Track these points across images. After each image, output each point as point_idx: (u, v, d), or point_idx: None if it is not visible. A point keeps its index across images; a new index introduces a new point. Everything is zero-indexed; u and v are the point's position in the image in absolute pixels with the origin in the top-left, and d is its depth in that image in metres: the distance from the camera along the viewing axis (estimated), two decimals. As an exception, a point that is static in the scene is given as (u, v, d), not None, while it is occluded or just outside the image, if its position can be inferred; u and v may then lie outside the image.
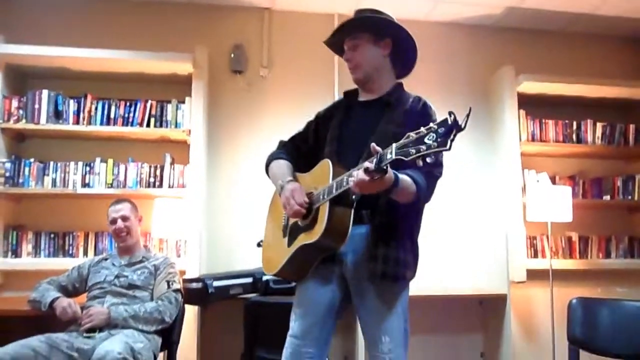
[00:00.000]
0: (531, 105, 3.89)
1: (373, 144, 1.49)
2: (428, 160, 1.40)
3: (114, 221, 2.83)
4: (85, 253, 3.45)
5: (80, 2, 3.78)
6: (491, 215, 3.95)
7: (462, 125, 1.35)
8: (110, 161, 3.48)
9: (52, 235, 3.46)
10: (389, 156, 1.45)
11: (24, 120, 3.39)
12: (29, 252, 3.43)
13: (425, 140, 1.38)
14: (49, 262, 3.38)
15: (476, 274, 3.88)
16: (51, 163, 3.44)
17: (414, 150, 1.39)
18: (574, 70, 4.15)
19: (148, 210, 3.30)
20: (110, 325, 2.54)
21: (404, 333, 1.81)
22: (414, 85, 4.06)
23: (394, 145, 1.44)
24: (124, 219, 2.83)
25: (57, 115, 3.45)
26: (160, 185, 3.49)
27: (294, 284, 2.65)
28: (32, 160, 3.42)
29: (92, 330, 2.50)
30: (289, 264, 1.82)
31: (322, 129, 2.01)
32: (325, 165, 1.78)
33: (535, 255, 3.84)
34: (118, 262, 2.83)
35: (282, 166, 2.00)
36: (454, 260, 3.90)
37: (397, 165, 1.51)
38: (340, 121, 1.96)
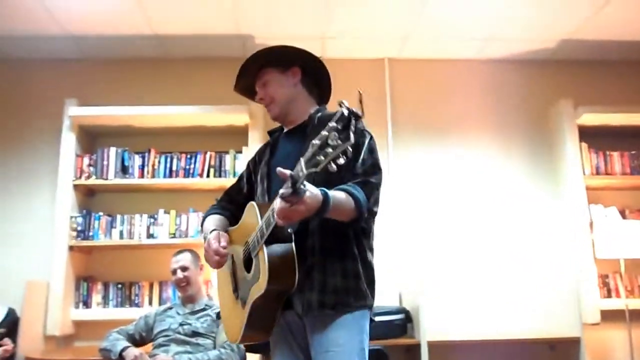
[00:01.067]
0: (593, 137, 3.77)
1: (278, 169, 1.35)
2: (340, 161, 1.26)
3: (174, 272, 2.92)
4: (150, 302, 3.55)
5: (140, 64, 4.01)
6: (558, 253, 3.79)
7: (358, 112, 1.31)
8: (173, 212, 3.60)
9: (119, 286, 3.58)
10: (300, 174, 1.31)
11: (94, 177, 3.60)
12: (98, 302, 3.56)
13: (329, 142, 1.27)
14: (117, 312, 3.49)
15: (545, 316, 3.68)
16: (118, 216, 3.60)
17: (322, 157, 1.27)
18: (635, 99, 4.01)
19: (209, 258, 3.37)
20: (175, 374, 2.58)
21: None
22: (469, 123, 4.05)
23: (301, 160, 1.31)
24: (183, 269, 2.91)
25: (124, 170, 3.63)
26: (221, 234, 3.57)
27: None
28: (101, 214, 3.60)
29: (158, 379, 2.55)
30: (248, 325, 1.63)
31: (255, 175, 1.91)
32: (251, 209, 1.66)
33: (609, 295, 3.62)
34: (182, 310, 2.89)
35: (209, 221, 1.87)
36: (520, 301, 3.73)
37: (326, 181, 1.46)
38: (267, 159, 1.85)
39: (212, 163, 3.66)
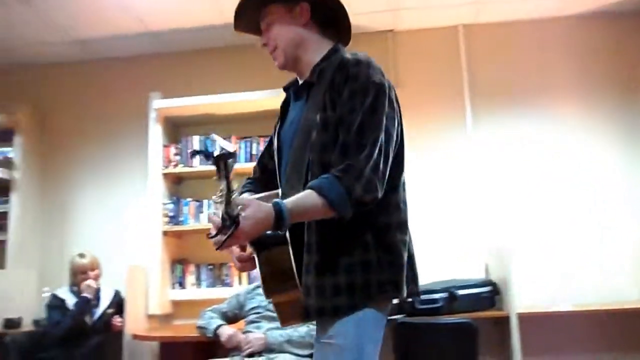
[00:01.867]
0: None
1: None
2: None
3: None
4: (240, 282, 3.70)
5: (216, 53, 4.14)
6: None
7: (228, 150, 1.20)
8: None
9: (210, 267, 3.77)
10: (223, 215, 1.18)
11: (180, 165, 3.78)
12: (192, 283, 3.77)
13: (221, 186, 1.18)
14: (210, 292, 3.68)
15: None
16: (205, 201, 3.76)
17: (219, 196, 1.19)
18: None
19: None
20: (267, 349, 2.69)
21: None
22: (553, 88, 3.84)
23: (213, 198, 1.20)
24: None
25: (207, 157, 3.77)
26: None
27: (440, 303, 2.51)
28: (189, 199, 3.78)
29: (251, 355, 2.67)
30: (282, 320, 1.48)
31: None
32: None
33: None
34: (269, 289, 2.99)
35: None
36: (615, 271, 3.53)
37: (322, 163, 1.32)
38: (277, 127, 1.62)
39: (290, 145, 3.72)
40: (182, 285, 3.77)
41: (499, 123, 3.82)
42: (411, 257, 1.46)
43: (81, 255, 3.37)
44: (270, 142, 1.69)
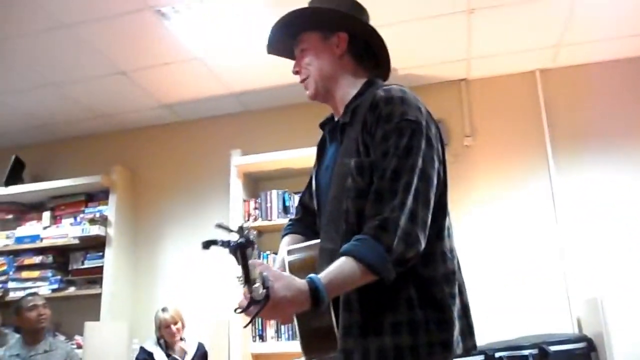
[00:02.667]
0: None
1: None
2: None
3: None
4: (320, 335, 3.67)
5: (293, 110, 4.27)
6: None
7: (248, 239, 1.14)
8: (333, 247, 3.73)
9: (290, 320, 3.78)
10: (257, 286, 1.08)
11: (260, 219, 3.89)
12: (272, 336, 3.79)
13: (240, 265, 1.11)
14: (290, 345, 3.67)
15: None
16: (284, 254, 3.82)
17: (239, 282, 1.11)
18: None
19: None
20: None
21: None
22: (632, 124, 3.64)
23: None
24: None
25: (285, 210, 3.88)
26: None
27: None
28: (268, 252, 3.86)
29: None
30: None
31: None
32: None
33: None
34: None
35: (282, 247, 1.55)
36: None
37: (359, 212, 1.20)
38: (315, 168, 1.52)
39: (366, 196, 3.74)
40: (262, 338, 3.80)
41: (582, 168, 3.65)
42: (465, 308, 1.31)
43: (164, 310, 3.50)
44: (310, 183, 1.61)
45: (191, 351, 3.46)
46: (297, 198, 3.86)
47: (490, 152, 3.82)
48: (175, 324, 3.45)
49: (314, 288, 1.11)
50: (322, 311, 1.16)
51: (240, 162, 3.96)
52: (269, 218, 3.87)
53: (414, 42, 3.51)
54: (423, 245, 1.20)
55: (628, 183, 3.54)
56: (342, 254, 1.17)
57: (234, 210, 3.91)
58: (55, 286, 4.17)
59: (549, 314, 3.37)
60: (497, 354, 2.94)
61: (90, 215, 4.21)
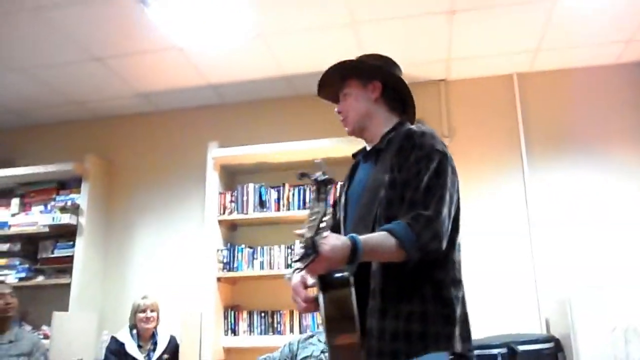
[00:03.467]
0: None
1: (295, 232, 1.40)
2: (322, 224, 1.29)
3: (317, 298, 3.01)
4: (292, 330, 3.68)
5: (272, 104, 4.28)
6: None
7: (328, 178, 1.36)
8: (309, 242, 3.73)
9: (262, 314, 3.77)
10: (307, 235, 1.32)
11: (235, 212, 3.87)
12: (244, 330, 3.78)
13: (313, 209, 1.34)
14: (262, 340, 3.67)
15: None
16: (259, 248, 3.81)
17: (312, 224, 1.31)
18: None
19: (346, 287, 3.45)
20: (319, 401, 2.64)
21: None
22: (613, 136, 3.73)
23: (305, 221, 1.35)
24: None
25: (262, 204, 3.86)
26: (355, 262, 3.62)
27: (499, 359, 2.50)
28: (243, 246, 3.84)
29: (304, 406, 2.63)
30: None
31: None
32: None
33: None
34: (323, 338, 2.96)
35: None
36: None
37: (388, 216, 1.46)
38: (345, 186, 1.80)
39: (343, 193, 3.75)
40: (234, 332, 3.79)
41: (555, 171, 3.73)
42: (466, 316, 1.55)
43: (144, 297, 3.47)
44: (336, 202, 1.87)
45: (163, 344, 3.43)
46: (273, 192, 3.85)
47: (467, 154, 3.86)
48: (152, 311, 3.42)
49: (354, 242, 1.36)
50: (347, 296, 1.34)
51: (217, 154, 3.92)
52: (245, 211, 3.85)
53: (396, 41, 3.53)
54: (444, 246, 1.46)
55: (599, 187, 3.63)
56: (381, 230, 1.43)
57: (210, 203, 3.88)
58: (23, 275, 4.08)
59: (519, 314, 3.44)
60: (520, 347, 2.97)
61: (62, 204, 4.13)
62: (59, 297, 3.91)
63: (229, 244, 3.90)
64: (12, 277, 4.05)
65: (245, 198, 3.88)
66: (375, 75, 1.74)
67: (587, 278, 3.47)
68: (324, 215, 1.31)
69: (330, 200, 1.33)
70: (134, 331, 3.41)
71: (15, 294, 3.38)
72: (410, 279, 1.47)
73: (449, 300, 1.49)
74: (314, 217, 1.32)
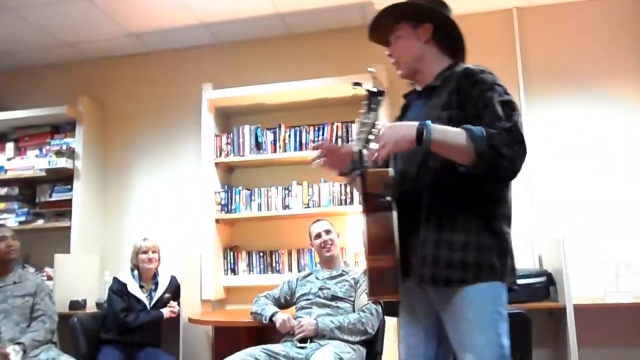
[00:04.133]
0: None
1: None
2: (371, 137, 1.40)
3: (318, 235, 3.06)
4: (290, 269, 3.76)
5: (266, 43, 4.19)
6: None
7: (379, 89, 1.40)
8: (305, 183, 3.76)
9: (261, 254, 3.85)
10: (354, 156, 1.48)
11: (232, 154, 3.86)
12: (244, 269, 3.86)
13: (362, 120, 1.45)
14: (261, 278, 3.76)
15: None
16: (256, 189, 3.83)
17: (362, 136, 1.44)
18: None
19: (342, 227, 3.50)
20: (318, 335, 2.73)
21: (498, 349, 1.50)
22: (611, 70, 3.68)
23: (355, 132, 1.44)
24: (328, 232, 3.05)
25: (258, 146, 3.85)
26: (352, 203, 3.65)
27: None
28: (240, 188, 3.86)
29: (303, 340, 2.72)
30: (371, 286, 1.53)
31: None
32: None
33: None
34: (321, 275, 3.04)
35: None
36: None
37: None
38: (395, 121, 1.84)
39: (340, 133, 3.74)
40: (234, 271, 3.87)
41: (553, 106, 3.70)
42: (512, 252, 1.61)
43: (145, 239, 3.52)
44: None
45: (164, 284, 3.50)
46: (269, 133, 3.83)
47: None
48: (154, 252, 3.48)
49: (421, 126, 1.45)
50: (389, 220, 1.43)
51: (211, 95, 3.87)
52: (241, 153, 3.84)
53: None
54: (514, 154, 1.45)
55: (596, 122, 3.61)
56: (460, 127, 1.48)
57: (206, 145, 3.87)
58: (23, 218, 4.12)
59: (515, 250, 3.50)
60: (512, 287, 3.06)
61: (57, 148, 4.11)
62: (60, 240, 3.97)
63: (226, 186, 3.92)
64: (12, 221, 4.10)
65: (241, 140, 3.86)
66: (426, 17, 1.75)
67: (582, 216, 3.52)
68: (373, 126, 1.37)
69: (381, 111, 1.38)
70: (135, 272, 3.47)
71: (17, 237, 3.42)
72: (464, 210, 1.54)
73: (502, 233, 1.57)
74: (363, 129, 1.37)
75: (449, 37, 1.77)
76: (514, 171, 1.47)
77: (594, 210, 3.51)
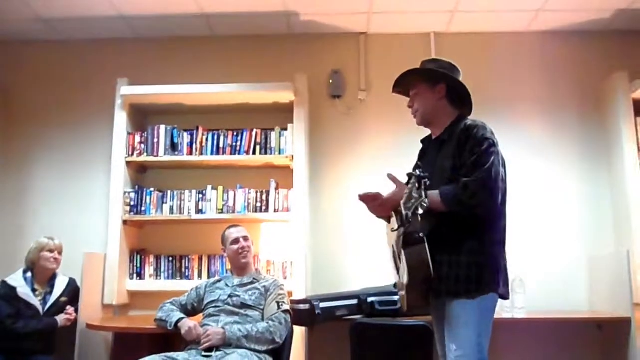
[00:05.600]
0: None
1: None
2: (419, 211, 1.73)
3: (236, 241, 3.01)
4: (200, 275, 3.67)
5: (189, 42, 4.09)
6: (609, 230, 3.70)
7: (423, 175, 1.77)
8: (220, 188, 3.69)
9: (170, 259, 3.72)
10: (404, 212, 1.78)
11: (145, 154, 3.72)
12: (151, 274, 3.72)
13: (412, 193, 1.75)
14: (169, 284, 3.64)
15: (594, 294, 3.62)
16: (168, 192, 3.71)
17: (410, 204, 1.75)
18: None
19: (256, 234, 3.47)
20: (225, 344, 2.68)
21: (476, 346, 1.94)
22: (518, 99, 3.93)
23: (401, 203, 1.80)
24: (246, 238, 3.01)
25: (173, 147, 3.74)
26: (267, 210, 3.64)
27: (398, 305, 2.83)
28: (152, 189, 3.72)
29: (209, 349, 2.66)
30: (409, 303, 1.97)
31: None
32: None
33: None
34: (231, 282, 2.99)
35: None
36: (569, 279, 3.68)
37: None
38: (417, 163, 2.29)
39: (258, 140, 3.71)
40: (140, 275, 3.71)
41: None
42: (506, 267, 2.10)
43: (50, 238, 3.31)
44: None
45: (60, 286, 3.29)
46: (186, 135, 3.74)
47: (382, 108, 3.94)
48: (60, 253, 3.26)
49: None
50: (422, 251, 1.82)
51: (127, 91, 3.71)
52: (155, 154, 3.71)
53: (320, -12, 3.46)
54: (484, 202, 1.94)
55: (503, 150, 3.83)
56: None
57: (118, 143, 3.70)
58: None
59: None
60: (369, 299, 3.14)
61: (-53, 134, 3.77)
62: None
63: (137, 186, 3.77)
64: None
65: (155, 140, 3.73)
66: (441, 80, 2.20)
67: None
68: (422, 203, 1.71)
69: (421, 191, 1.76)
70: (29, 274, 3.24)
71: None
72: (470, 239, 2.00)
73: (495, 255, 2.03)
74: (412, 201, 1.73)
75: (458, 94, 2.22)
76: (487, 211, 1.97)
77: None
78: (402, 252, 1.86)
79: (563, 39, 3.98)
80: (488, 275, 1.98)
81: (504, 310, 3.35)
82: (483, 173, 1.94)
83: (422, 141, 2.38)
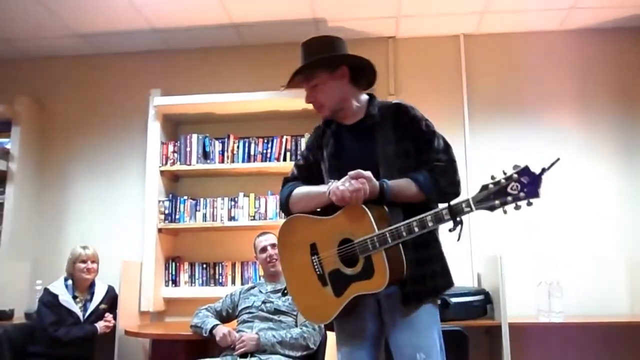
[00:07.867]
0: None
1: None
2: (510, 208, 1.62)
3: (264, 249, 3.03)
4: (233, 281, 3.71)
5: (219, 52, 4.16)
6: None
7: (547, 170, 1.61)
8: (252, 195, 3.73)
9: (204, 266, 3.77)
10: (467, 209, 1.67)
11: (178, 163, 3.79)
12: (185, 281, 3.77)
13: (509, 190, 1.62)
14: (203, 291, 3.69)
15: (635, 297, 3.51)
16: (201, 200, 3.77)
17: (498, 202, 1.64)
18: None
19: (288, 240, 3.48)
20: (259, 350, 2.70)
21: (440, 351, 1.83)
22: (551, 100, 3.87)
23: (470, 199, 1.65)
24: (273, 246, 3.02)
25: (205, 155, 3.79)
26: (298, 216, 3.64)
27: None
28: (185, 197, 3.78)
29: (244, 355, 2.68)
30: (341, 313, 1.78)
31: (317, 161, 2.00)
32: (360, 211, 1.71)
33: None
34: (265, 289, 3.01)
35: (309, 186, 1.95)
36: (608, 282, 3.57)
37: (403, 169, 1.79)
38: (332, 151, 1.92)
39: (288, 147, 3.74)
40: (175, 283, 3.77)
41: (496, 134, 3.85)
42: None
43: (84, 247, 3.39)
44: (309, 162, 2.04)
45: (100, 294, 3.37)
46: (217, 143, 3.79)
47: (412, 112, 3.90)
48: (93, 262, 3.35)
49: (381, 189, 1.73)
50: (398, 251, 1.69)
51: (160, 102, 3.79)
52: (188, 162, 3.77)
53: (347, -6, 3.47)
54: (455, 187, 1.82)
55: (535, 150, 3.78)
56: (406, 177, 1.77)
57: (152, 152, 3.78)
58: (-51, 221, 3.87)
59: (453, 268, 3.58)
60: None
61: (-10, 147, 3.91)
62: (-11, 245, 3.75)
63: (170, 195, 3.83)
64: (-64, 224, 3.84)
65: (188, 149, 3.79)
66: (340, 62, 1.89)
67: (518, 236, 3.65)
68: (517, 202, 1.66)
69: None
70: (69, 282, 3.33)
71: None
72: (433, 244, 1.85)
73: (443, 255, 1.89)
74: (507, 198, 1.65)
75: (360, 72, 1.92)
76: (456, 196, 1.81)
77: (530, 232, 3.65)
78: (382, 254, 1.66)
79: (596, 37, 3.89)
80: (448, 278, 1.87)
81: (540, 314, 3.28)
82: (450, 155, 1.82)
83: (327, 125, 1.98)
